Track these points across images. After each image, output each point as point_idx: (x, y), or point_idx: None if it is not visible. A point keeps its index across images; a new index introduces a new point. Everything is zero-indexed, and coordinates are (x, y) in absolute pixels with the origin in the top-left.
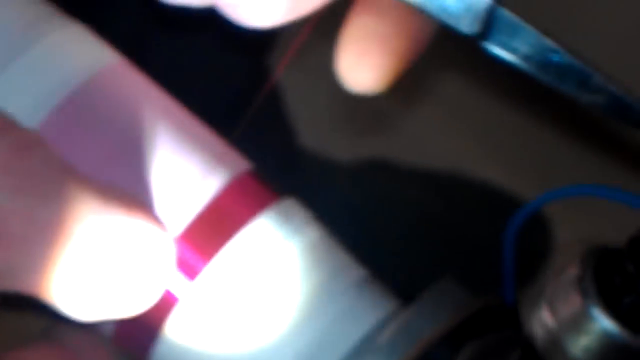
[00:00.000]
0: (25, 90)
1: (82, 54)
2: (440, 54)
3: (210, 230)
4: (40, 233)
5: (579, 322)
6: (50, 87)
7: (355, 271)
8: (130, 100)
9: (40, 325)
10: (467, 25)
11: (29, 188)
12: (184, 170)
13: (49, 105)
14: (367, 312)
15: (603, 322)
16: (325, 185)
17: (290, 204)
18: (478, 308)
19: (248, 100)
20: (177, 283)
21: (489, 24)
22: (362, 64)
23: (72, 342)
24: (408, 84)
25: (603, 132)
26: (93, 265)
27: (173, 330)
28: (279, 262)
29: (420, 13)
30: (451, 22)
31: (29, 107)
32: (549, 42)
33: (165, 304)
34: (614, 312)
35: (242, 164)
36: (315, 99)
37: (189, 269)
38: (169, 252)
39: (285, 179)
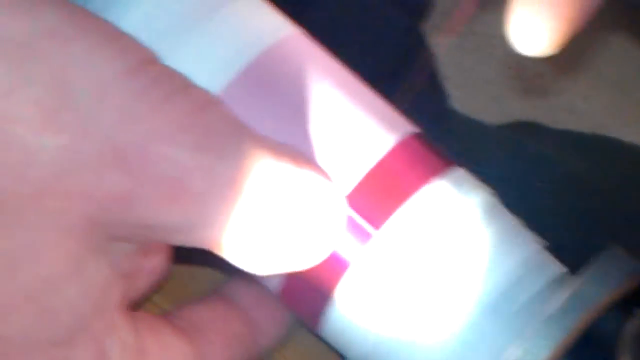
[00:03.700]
0: (205, 58)
1: (261, 23)
2: (606, 19)
3: (381, 192)
4: (219, 189)
5: None
6: (230, 56)
7: (529, 241)
8: (304, 69)
9: (213, 281)
10: None
11: (208, 145)
12: (355, 132)
13: (227, 74)
14: (539, 277)
15: None
16: (477, 150)
17: (461, 172)
18: None
19: (405, 63)
20: (349, 246)
21: None
22: (534, 26)
23: (243, 299)
24: (568, 51)
25: None
26: (268, 219)
27: (344, 295)
28: (453, 229)
29: None
30: None
31: (207, 76)
32: None
33: (336, 267)
34: None
35: (410, 128)
36: (469, 65)
37: (360, 232)
38: (340, 204)
39: (438, 143)
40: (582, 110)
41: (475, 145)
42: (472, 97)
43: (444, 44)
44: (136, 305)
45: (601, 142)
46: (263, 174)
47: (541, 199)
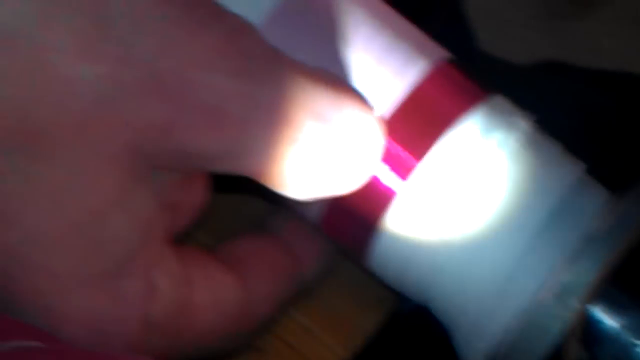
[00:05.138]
0: None
1: None
2: None
3: (422, 120)
4: (258, 114)
5: None
6: None
7: (571, 165)
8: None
9: (255, 216)
10: None
11: (246, 71)
12: (392, 59)
13: (263, 6)
14: (585, 200)
15: None
16: (504, 89)
17: (499, 99)
18: None
19: (428, 4)
20: (392, 177)
21: None
22: None
23: (286, 233)
24: None
25: None
26: (308, 144)
27: (389, 225)
28: (496, 157)
29: None
30: None
31: (244, 7)
32: None
33: (381, 198)
34: None
35: (446, 54)
36: (494, 6)
37: (403, 162)
38: (379, 128)
39: None
40: (606, 48)
41: (503, 85)
42: (497, 39)
43: None
44: (179, 241)
45: (627, 78)
46: (302, 99)
47: (573, 137)
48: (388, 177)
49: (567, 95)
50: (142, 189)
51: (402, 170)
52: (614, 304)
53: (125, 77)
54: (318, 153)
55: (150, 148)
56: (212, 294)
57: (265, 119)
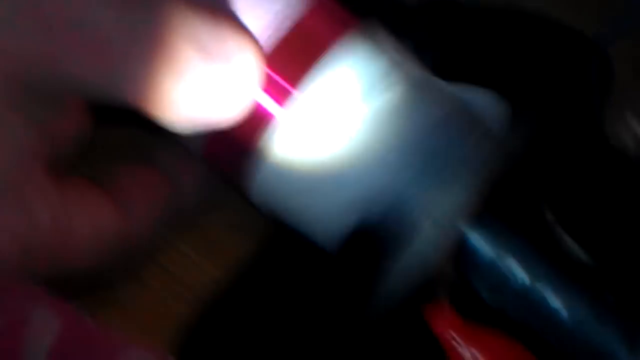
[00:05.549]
0: None
1: None
2: None
3: (299, 49)
4: (139, 44)
5: None
6: None
7: (447, 93)
8: None
9: (135, 146)
10: None
11: (128, 1)
12: None
13: None
14: (460, 131)
15: None
16: (395, 29)
17: (375, 27)
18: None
19: None
20: (267, 104)
21: None
22: None
23: (166, 163)
24: None
25: None
26: (191, 75)
27: (267, 151)
28: (369, 84)
29: None
30: None
31: None
32: None
33: (259, 126)
34: None
35: None
36: None
37: (277, 89)
38: (259, 58)
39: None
40: None
41: (394, 24)
42: None
43: None
44: (60, 172)
45: (515, 15)
46: (184, 30)
47: (458, 72)
48: (266, 105)
49: (457, 34)
50: (20, 118)
51: (280, 98)
52: (489, 232)
53: (5, 8)
54: (199, 84)
55: (29, 78)
56: (91, 223)
57: (147, 49)
